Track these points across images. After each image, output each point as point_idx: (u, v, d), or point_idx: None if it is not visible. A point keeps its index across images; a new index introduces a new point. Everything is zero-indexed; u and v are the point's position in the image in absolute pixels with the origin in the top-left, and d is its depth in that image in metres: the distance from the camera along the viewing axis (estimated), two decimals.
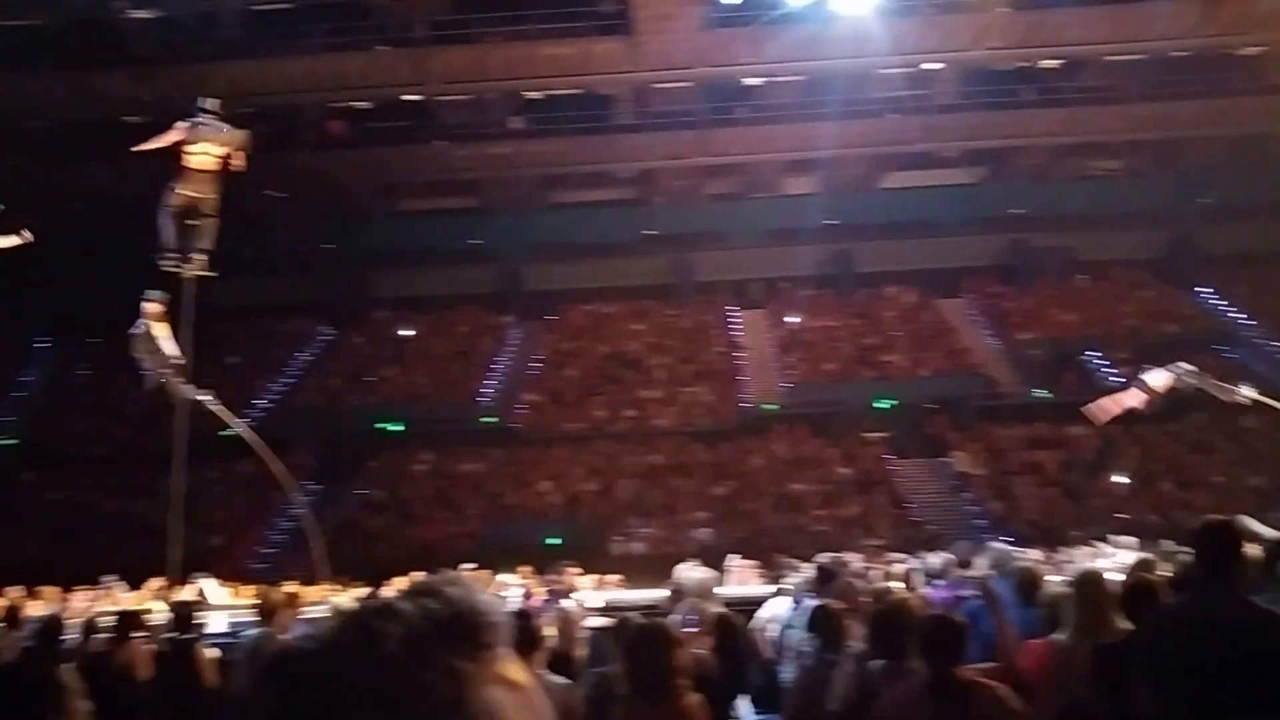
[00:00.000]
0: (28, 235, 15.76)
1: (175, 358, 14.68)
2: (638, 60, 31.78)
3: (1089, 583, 5.29)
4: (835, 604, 6.35)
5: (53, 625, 8.47)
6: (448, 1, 32.40)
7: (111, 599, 16.63)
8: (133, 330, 14.78)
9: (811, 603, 7.18)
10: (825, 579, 8.09)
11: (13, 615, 10.10)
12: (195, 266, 14.18)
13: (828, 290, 38.52)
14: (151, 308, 14.58)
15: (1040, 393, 32.34)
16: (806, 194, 37.49)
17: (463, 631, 0.86)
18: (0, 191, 36.11)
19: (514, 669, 0.90)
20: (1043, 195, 37.49)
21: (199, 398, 15.24)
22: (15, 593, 15.99)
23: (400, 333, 37.88)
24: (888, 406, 32.66)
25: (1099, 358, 33.22)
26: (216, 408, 15.85)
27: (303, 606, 11.49)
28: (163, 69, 31.36)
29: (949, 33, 30.85)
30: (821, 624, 6.08)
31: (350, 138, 35.36)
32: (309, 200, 36.51)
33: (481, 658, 0.86)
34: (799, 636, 7.70)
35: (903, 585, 8.98)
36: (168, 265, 14.10)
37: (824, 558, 8.74)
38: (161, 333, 14.62)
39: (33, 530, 30.16)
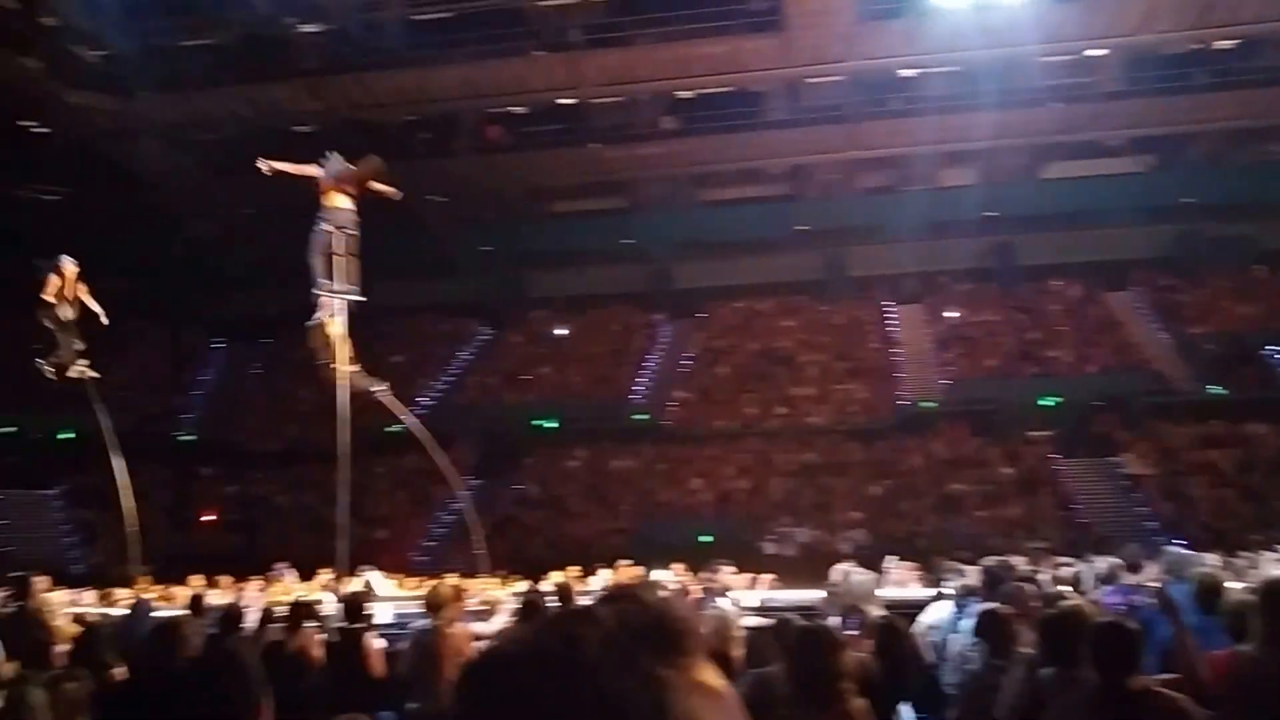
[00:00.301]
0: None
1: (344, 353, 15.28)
2: (789, 56, 31.54)
3: (1277, 591, 4.94)
4: (1005, 609, 6.18)
5: (234, 614, 8.90)
6: (600, 5, 32.76)
7: (283, 588, 17.43)
8: (309, 323, 15.43)
9: (977, 607, 7.04)
10: (992, 583, 7.92)
11: (197, 604, 10.55)
12: (349, 294, 14.65)
13: (987, 284, 37.51)
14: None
15: (1215, 389, 30.82)
16: (964, 186, 36.69)
17: (662, 638, 0.86)
18: (178, 200, 38.51)
19: (712, 676, 0.89)
20: (1216, 183, 35.73)
21: (373, 389, 15.84)
22: (197, 582, 16.90)
23: (555, 332, 38.53)
24: (1052, 404, 31.61)
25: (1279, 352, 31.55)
26: (388, 399, 16.44)
27: (468, 600, 11.88)
28: (329, 80, 32.63)
29: (1115, 17, 29.67)
30: (990, 629, 5.99)
31: (506, 142, 36.10)
32: (467, 204, 37.42)
33: (680, 664, 0.85)
34: (963, 642, 7.55)
35: (1071, 590, 8.70)
36: (321, 296, 14.65)
37: (990, 561, 8.53)
38: (335, 327, 15.14)
39: (210, 522, 31.81)
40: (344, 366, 15.17)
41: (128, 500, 18.98)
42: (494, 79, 32.49)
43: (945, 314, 36.33)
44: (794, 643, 4.47)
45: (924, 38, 29.87)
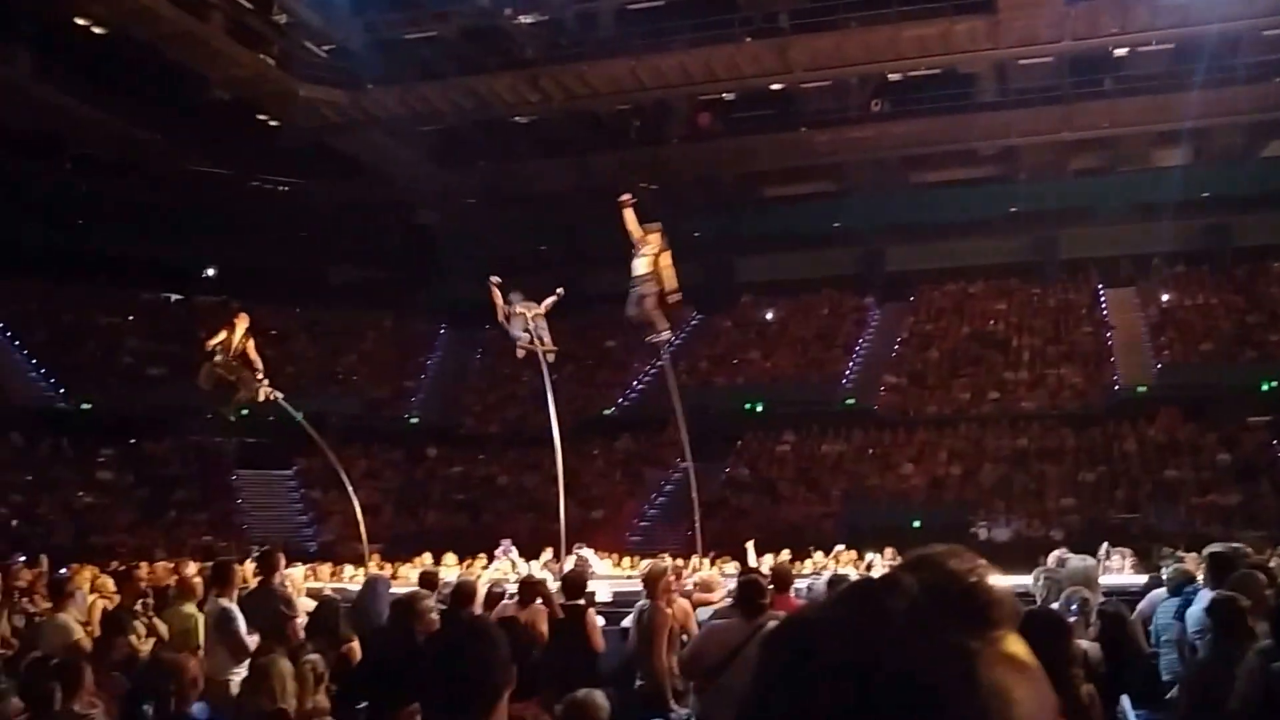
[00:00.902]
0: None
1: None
2: (1000, 37, 30.89)
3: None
4: (1242, 597, 5.98)
5: (467, 590, 8.99)
6: None
7: (507, 567, 18.24)
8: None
9: (1205, 594, 6.91)
10: (1221, 570, 7.76)
11: (429, 580, 10.82)
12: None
13: (1203, 266, 35.76)
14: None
15: None
16: (1178, 166, 35.20)
17: (970, 608, 0.82)
18: (403, 190, 40.44)
19: (1022, 649, 0.84)
20: None
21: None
22: (425, 559, 17.82)
23: (764, 316, 38.83)
24: (1273, 389, 30.01)
25: None
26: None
27: (685, 579, 12.29)
28: (546, 70, 33.63)
29: None
30: (1225, 617, 5.80)
31: (717, 128, 36.55)
32: (679, 190, 38.04)
33: (989, 636, 0.81)
34: (1187, 630, 7.43)
35: None
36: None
37: (1217, 547, 8.29)
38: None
39: (436, 502, 33.28)
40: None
41: (350, 483, 19.97)
42: (705, 66, 32.91)
43: (1160, 297, 34.84)
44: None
45: (1137, 15, 28.78)
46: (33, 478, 29.37)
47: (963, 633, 0.80)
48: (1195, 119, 31.70)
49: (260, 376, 17.39)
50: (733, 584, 8.04)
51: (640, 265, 15.58)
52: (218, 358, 17.13)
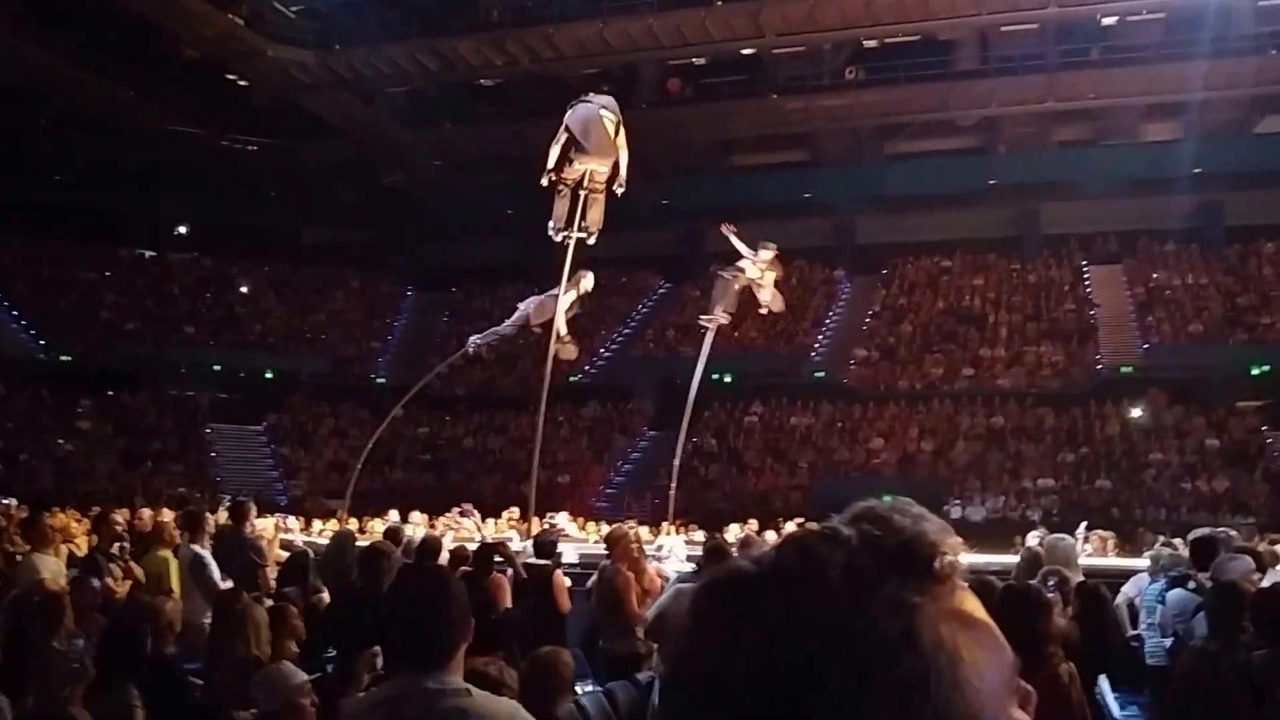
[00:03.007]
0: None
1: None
2: (982, 2, 30.21)
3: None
4: (1243, 583, 5.74)
5: (432, 544, 9.26)
6: None
7: (471, 526, 18.05)
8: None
9: (1202, 578, 6.65)
10: (1204, 554, 7.41)
11: (394, 535, 10.85)
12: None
13: (1193, 245, 35.28)
14: None
15: None
16: (1168, 140, 34.60)
17: (911, 561, 0.79)
18: (371, 152, 39.88)
19: (971, 603, 0.81)
20: None
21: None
22: (391, 515, 17.63)
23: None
24: (1264, 373, 29.66)
25: None
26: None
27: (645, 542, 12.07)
28: (513, 33, 33.01)
29: None
30: (1221, 603, 5.47)
31: (687, 94, 35.88)
32: (648, 156, 37.32)
33: (930, 590, 0.78)
34: (1171, 614, 7.14)
35: None
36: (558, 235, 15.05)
37: (1202, 531, 8.01)
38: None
39: (402, 462, 33.01)
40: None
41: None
42: (674, 29, 32.25)
43: (1147, 275, 34.42)
44: (998, 604, 4.17)
45: None
46: (14, 425, 30.58)
47: (901, 586, 0.79)
48: (1187, 92, 31.04)
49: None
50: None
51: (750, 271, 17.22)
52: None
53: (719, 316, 17.87)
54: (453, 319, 39.25)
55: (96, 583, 7.63)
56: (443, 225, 39.16)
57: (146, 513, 13.79)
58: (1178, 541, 10.08)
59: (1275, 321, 30.95)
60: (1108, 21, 31.40)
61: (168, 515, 12.08)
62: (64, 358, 33.54)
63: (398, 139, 38.48)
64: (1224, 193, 34.54)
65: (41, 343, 34.02)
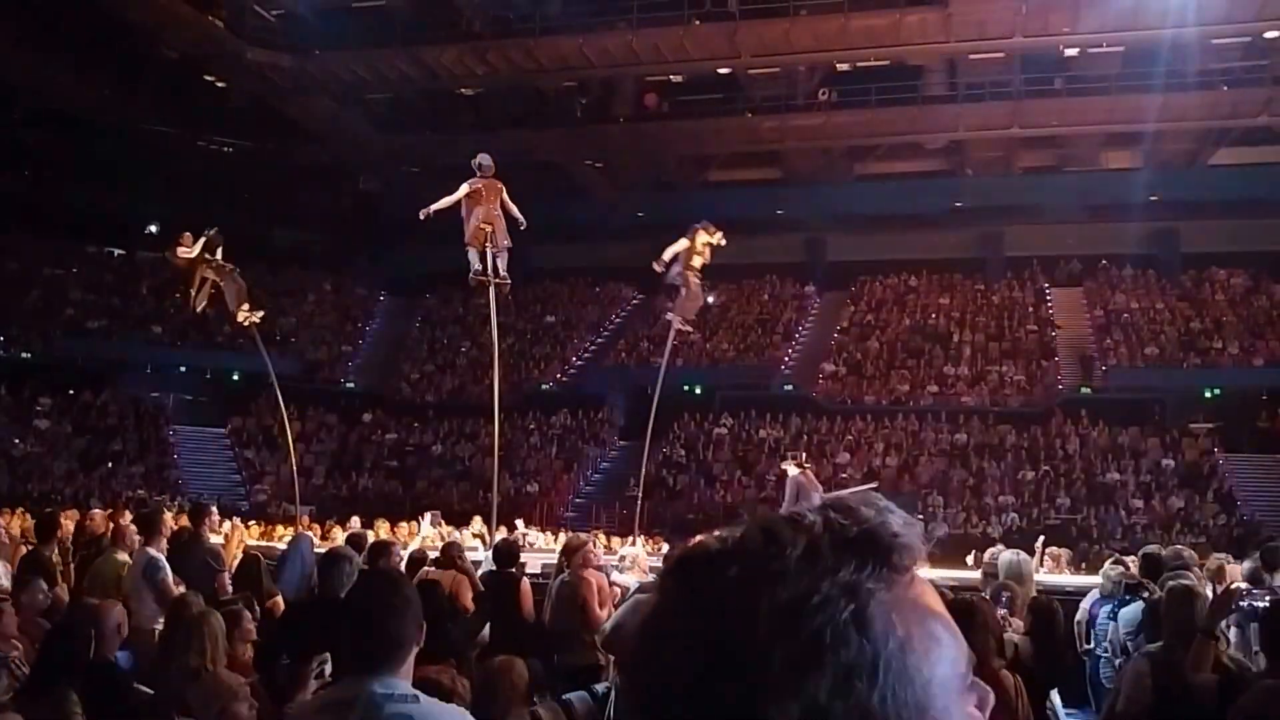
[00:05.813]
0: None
1: None
2: (951, 30, 30.74)
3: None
4: (1193, 587, 5.82)
5: (380, 547, 8.71)
6: None
7: (436, 534, 17.96)
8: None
9: (1140, 589, 6.81)
10: (1153, 571, 7.72)
11: (355, 542, 10.45)
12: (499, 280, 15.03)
13: (1149, 270, 36.15)
14: None
15: None
16: (1127, 169, 35.47)
17: (872, 549, 0.81)
18: (347, 156, 39.88)
19: (930, 596, 0.84)
20: None
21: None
22: (354, 523, 17.67)
23: (706, 299, 38.61)
24: (1217, 396, 30.41)
25: None
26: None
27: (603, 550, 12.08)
28: (494, 44, 33.07)
29: None
30: (1264, 626, 5.32)
31: (664, 110, 36.25)
32: (623, 170, 37.75)
33: (890, 579, 0.81)
34: (1121, 631, 7.40)
35: (1246, 586, 8.39)
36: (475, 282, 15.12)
37: (1152, 548, 8.26)
38: None
39: (370, 467, 33.05)
40: None
41: (289, 443, 19.89)
42: (653, 47, 32.47)
43: (1106, 299, 35.15)
44: None
45: (1090, 16, 28.81)
46: None
47: (859, 572, 0.80)
48: (1143, 123, 31.85)
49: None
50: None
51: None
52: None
53: (678, 322, 17.74)
54: (425, 325, 39.37)
55: (45, 586, 7.41)
56: (417, 231, 39.17)
57: (98, 514, 13.48)
58: (1130, 559, 10.40)
59: (1227, 347, 31.77)
60: (1070, 53, 32.06)
61: (127, 518, 11.52)
62: (24, 355, 33.16)
63: (375, 145, 38.55)
64: (1180, 220, 35.53)
65: (1, 339, 33.47)
